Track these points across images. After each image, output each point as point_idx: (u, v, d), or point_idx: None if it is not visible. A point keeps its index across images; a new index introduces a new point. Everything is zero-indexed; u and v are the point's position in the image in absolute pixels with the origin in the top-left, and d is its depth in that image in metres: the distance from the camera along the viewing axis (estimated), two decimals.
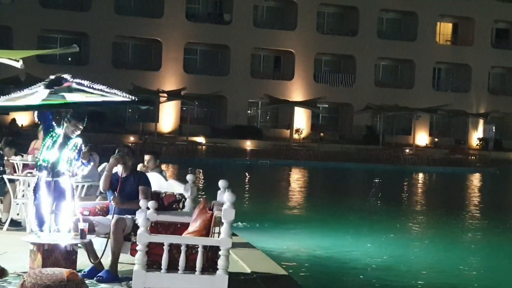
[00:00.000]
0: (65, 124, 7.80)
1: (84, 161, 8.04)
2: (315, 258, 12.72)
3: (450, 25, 56.15)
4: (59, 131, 7.83)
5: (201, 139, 44.11)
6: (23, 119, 39.02)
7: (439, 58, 52.86)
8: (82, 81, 7.51)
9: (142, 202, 7.30)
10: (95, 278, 7.67)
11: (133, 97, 7.65)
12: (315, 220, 17.74)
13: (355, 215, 18.87)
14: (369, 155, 40.87)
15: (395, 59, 53.23)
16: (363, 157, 40.08)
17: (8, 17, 43.61)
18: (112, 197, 8.21)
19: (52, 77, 7.51)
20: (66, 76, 7.48)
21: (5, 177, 10.94)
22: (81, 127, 7.87)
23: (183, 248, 6.80)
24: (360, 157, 39.90)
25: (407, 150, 44.91)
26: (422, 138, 51.41)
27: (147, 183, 8.42)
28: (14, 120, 37.19)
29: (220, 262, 6.80)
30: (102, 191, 8.21)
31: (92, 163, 9.01)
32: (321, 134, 50.06)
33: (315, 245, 14.05)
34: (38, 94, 7.36)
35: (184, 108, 49.13)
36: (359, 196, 25.17)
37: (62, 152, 7.73)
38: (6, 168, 11.34)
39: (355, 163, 37.59)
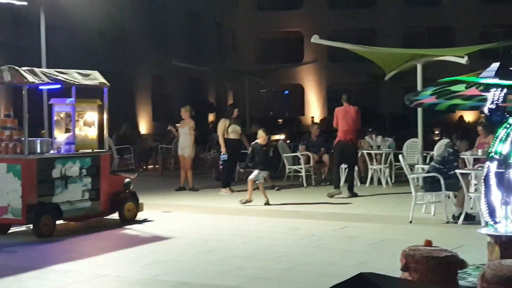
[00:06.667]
0: None
1: None
2: None
3: None
4: None
5: None
6: (469, 116, 39.28)
7: None
8: None
9: None
10: None
11: None
12: None
13: None
14: None
15: None
16: None
17: (449, 17, 44.51)
18: None
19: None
20: None
21: (457, 172, 11.12)
22: None
23: None
24: None
25: None
26: None
27: None
28: (461, 117, 37.72)
29: None
30: None
31: None
32: None
33: None
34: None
35: None
36: None
37: None
38: (459, 164, 11.57)
39: None
